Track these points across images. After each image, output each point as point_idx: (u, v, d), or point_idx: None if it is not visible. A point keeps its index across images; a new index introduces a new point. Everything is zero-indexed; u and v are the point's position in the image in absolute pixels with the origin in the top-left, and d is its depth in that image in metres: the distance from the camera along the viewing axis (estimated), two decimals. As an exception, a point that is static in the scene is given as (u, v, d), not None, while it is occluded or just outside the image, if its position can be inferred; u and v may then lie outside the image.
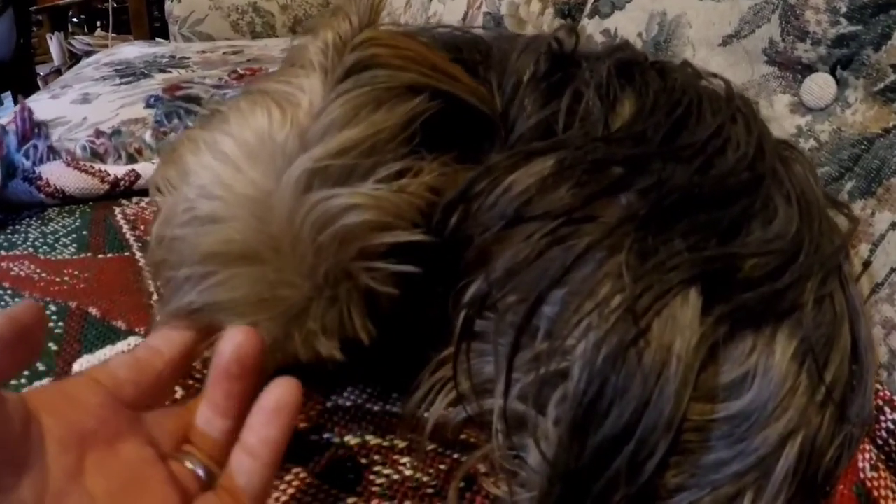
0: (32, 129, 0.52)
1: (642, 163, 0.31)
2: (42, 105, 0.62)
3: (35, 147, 0.51)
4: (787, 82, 0.49)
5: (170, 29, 1.07)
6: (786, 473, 0.30)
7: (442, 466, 0.33)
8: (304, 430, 0.35)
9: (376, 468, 0.33)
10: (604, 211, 0.29)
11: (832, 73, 0.47)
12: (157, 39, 1.07)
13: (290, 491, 0.33)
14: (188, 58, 0.70)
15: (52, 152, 0.52)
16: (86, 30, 1.63)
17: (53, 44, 1.49)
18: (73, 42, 1.51)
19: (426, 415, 0.33)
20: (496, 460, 0.31)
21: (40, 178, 0.50)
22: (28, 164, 0.50)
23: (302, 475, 0.33)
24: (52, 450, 0.22)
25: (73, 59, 1.47)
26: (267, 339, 0.28)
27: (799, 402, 0.29)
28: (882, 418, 0.39)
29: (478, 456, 0.33)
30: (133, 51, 0.73)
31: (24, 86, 1.47)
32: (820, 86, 0.47)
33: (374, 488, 0.33)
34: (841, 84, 0.47)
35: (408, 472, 0.33)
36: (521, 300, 0.29)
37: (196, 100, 0.56)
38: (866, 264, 0.42)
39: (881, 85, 0.44)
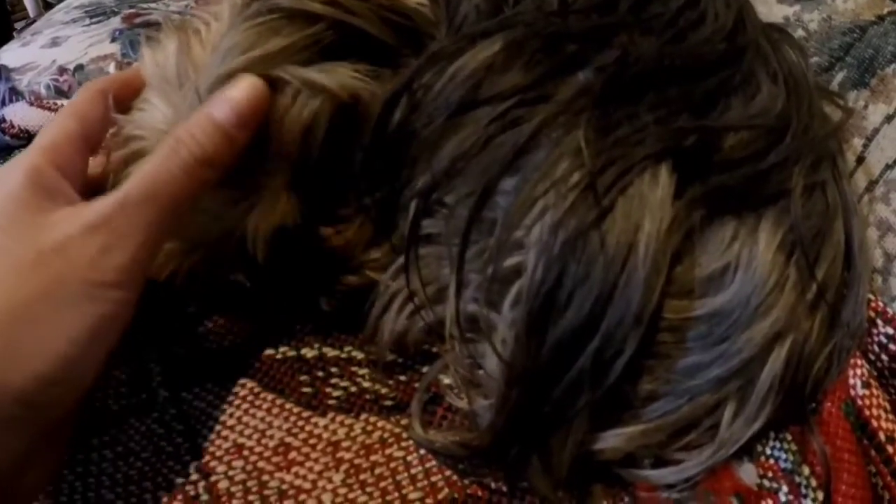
0: (-9, 73, 0.47)
1: (605, 35, 0.25)
2: (12, 54, 0.57)
3: (-4, 90, 0.46)
4: (773, -28, 0.42)
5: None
6: (771, 381, 0.25)
7: (402, 378, 0.29)
8: (259, 343, 0.31)
9: (333, 380, 0.29)
10: (559, 89, 0.23)
11: (822, -41, 0.40)
12: None
13: (244, 406, 0.28)
14: (161, -5, 0.65)
15: (15, 94, 0.47)
16: None
17: None
18: None
19: (385, 325, 0.28)
20: (454, 368, 0.26)
21: (3, 120, 0.45)
22: (-10, 108, 0.46)
23: (256, 389, 0.29)
24: None
25: (48, 9, 1.39)
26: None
27: (787, 299, 0.24)
28: (874, 331, 0.34)
29: (440, 367, 0.28)
30: (106, -7, 0.68)
31: (2, 44, 1.40)
32: (809, -26, 0.41)
33: (331, 401, 0.28)
34: (831, -29, 0.40)
35: (366, 384, 0.29)
36: (472, 192, 0.24)
37: (156, 25, 0.51)
38: (860, 160, 0.36)
39: (875, -32, 0.38)
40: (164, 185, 0.23)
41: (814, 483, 0.29)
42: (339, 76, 0.26)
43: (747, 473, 0.28)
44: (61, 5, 0.67)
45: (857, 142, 0.36)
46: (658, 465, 0.26)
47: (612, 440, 0.24)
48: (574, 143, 0.22)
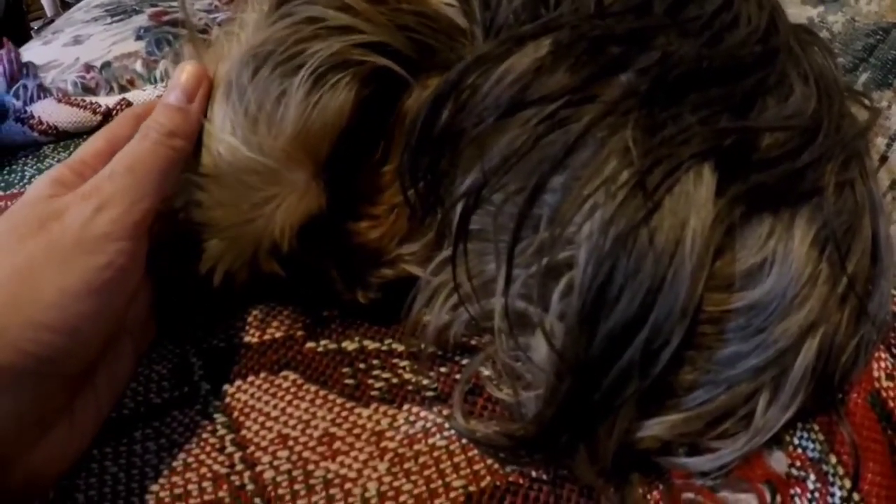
0: (20, 70, 0.47)
1: (645, 38, 0.26)
2: (34, 52, 0.58)
3: (24, 87, 0.46)
4: (797, -26, 0.44)
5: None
6: (804, 371, 0.26)
7: (443, 370, 0.30)
8: (301, 337, 0.32)
9: (375, 372, 0.30)
10: (604, 90, 0.24)
11: (845, -39, 0.42)
12: None
13: (287, 397, 0.30)
14: (179, -10, 0.66)
15: (43, 90, 0.48)
16: None
17: None
18: None
19: (427, 318, 0.30)
20: (500, 362, 0.27)
21: (32, 116, 0.46)
22: (19, 104, 0.46)
23: (298, 381, 0.30)
24: None
25: (66, 8, 1.41)
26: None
27: (820, 291, 0.26)
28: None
29: (482, 358, 0.29)
30: (124, -10, 0.69)
31: (19, 43, 1.41)
32: (832, -25, 0.42)
33: (373, 392, 0.29)
34: (854, -28, 0.41)
35: (407, 376, 0.30)
36: (520, 189, 0.25)
37: (184, 24, 0.52)
38: (883, 159, 0.38)
39: (898, -30, 0.39)
40: (140, 158, 0.28)
41: (840, 472, 0.30)
42: (370, 57, 0.27)
43: (778, 461, 0.30)
44: (80, 4, 0.68)
45: (881, 141, 0.38)
46: (693, 453, 0.28)
47: (655, 428, 0.25)
48: (622, 142, 0.23)
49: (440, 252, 0.29)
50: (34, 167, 0.46)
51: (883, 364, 0.33)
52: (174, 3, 0.60)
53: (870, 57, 0.39)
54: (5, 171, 0.47)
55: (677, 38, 0.27)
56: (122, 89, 0.48)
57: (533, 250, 0.25)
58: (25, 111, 0.46)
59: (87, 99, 0.47)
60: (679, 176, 0.22)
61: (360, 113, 0.28)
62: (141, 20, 0.56)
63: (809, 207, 0.26)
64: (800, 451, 0.31)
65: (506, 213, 0.25)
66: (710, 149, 0.23)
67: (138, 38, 0.53)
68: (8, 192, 0.45)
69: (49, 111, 0.46)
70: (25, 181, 0.46)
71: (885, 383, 0.33)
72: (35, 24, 1.41)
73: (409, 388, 0.30)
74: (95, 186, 0.27)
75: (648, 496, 0.28)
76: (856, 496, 0.30)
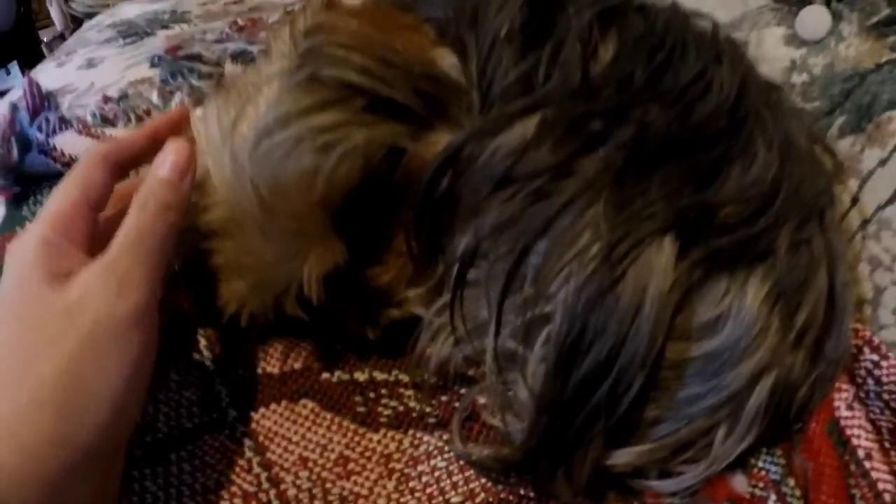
0: (42, 103, 0.53)
1: (624, 110, 0.32)
2: (49, 74, 0.64)
3: (47, 120, 0.52)
4: (783, 14, 0.49)
5: (168, -18, 1.05)
6: (757, 409, 0.32)
7: (444, 398, 0.37)
8: (317, 368, 0.38)
9: (383, 401, 0.37)
10: (583, 166, 0.30)
11: (827, 4, 0.47)
12: None
13: (306, 423, 0.36)
14: (189, 11, 0.70)
15: (64, 122, 0.54)
16: None
17: (54, 9, 1.49)
18: (73, 5, 1.51)
19: (430, 353, 0.36)
20: (492, 394, 0.34)
21: (55, 149, 0.52)
22: (41, 136, 0.52)
23: (316, 409, 0.36)
24: None
25: (76, 22, 1.47)
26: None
27: (770, 341, 0.32)
28: (861, 357, 0.41)
29: (477, 390, 0.36)
30: (134, 9, 0.73)
31: (29, 54, 1.48)
32: (815, 18, 0.47)
33: (382, 419, 0.36)
34: (836, 17, 0.46)
35: (412, 404, 0.37)
36: (509, 251, 0.31)
37: (198, 58, 0.58)
38: (854, 200, 0.43)
39: (875, 19, 0.44)
40: (144, 231, 0.30)
41: (798, 493, 0.36)
42: (377, 129, 0.33)
43: (739, 483, 0.36)
44: (92, 23, 0.74)
45: (853, 183, 0.43)
46: (662, 476, 0.34)
47: (624, 457, 0.32)
48: (595, 216, 0.29)
49: (441, 297, 0.35)
50: (59, 196, 0.53)
51: (844, 395, 0.39)
52: (186, 32, 0.65)
53: (846, 101, 0.44)
54: (31, 202, 0.53)
55: (654, 108, 0.33)
56: (139, 119, 0.54)
57: (520, 303, 0.31)
58: (48, 144, 0.52)
59: (108, 132, 0.53)
60: (642, 248, 0.28)
61: (372, 168, 0.34)
62: (153, 44, 0.62)
63: (763, 267, 0.31)
64: (763, 472, 0.37)
65: (497, 269, 0.32)
66: (673, 222, 0.29)
67: (153, 65, 0.59)
68: (36, 221, 0.52)
69: (71, 144, 0.52)
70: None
71: (844, 413, 0.39)
72: (42, 32, 1.48)
73: (414, 414, 0.37)
74: (109, 265, 0.28)
75: (624, 513, 0.34)
76: (809, 514, 0.36)
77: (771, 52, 0.47)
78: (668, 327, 0.30)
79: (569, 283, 0.28)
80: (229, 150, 0.33)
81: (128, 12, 0.73)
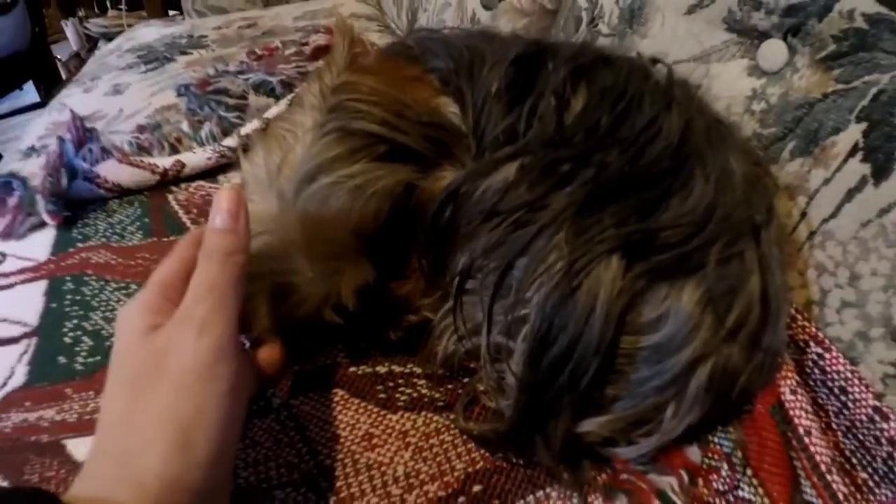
0: (85, 135, 0.70)
1: (588, 154, 0.48)
2: (77, 100, 0.80)
3: (90, 150, 0.69)
4: (746, 48, 0.64)
5: (182, 4, 1.21)
6: (698, 390, 0.47)
7: (450, 387, 0.53)
8: (346, 363, 0.55)
9: (401, 388, 0.53)
10: (552, 201, 0.46)
11: (784, 39, 0.62)
12: (171, 13, 1.22)
13: (338, 408, 0.53)
14: (205, 36, 0.86)
15: (105, 152, 0.70)
16: (96, 10, 1.81)
17: (69, 30, 1.67)
18: (88, 25, 1.69)
19: (438, 349, 0.52)
20: (487, 381, 0.50)
21: (98, 176, 0.69)
22: (86, 165, 0.69)
23: (346, 396, 0.53)
24: None
25: (91, 41, 1.66)
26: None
27: (703, 335, 0.47)
28: (808, 350, 0.56)
29: (477, 378, 0.52)
30: (151, 32, 0.89)
31: (45, 73, 1.68)
32: (773, 51, 0.62)
33: (400, 403, 0.53)
34: (791, 50, 0.61)
35: (424, 391, 0.53)
36: (497, 267, 0.47)
37: (225, 92, 0.74)
38: (803, 215, 0.59)
39: (823, 53, 0.59)
40: (215, 278, 0.38)
41: (745, 462, 0.52)
42: (397, 173, 0.50)
43: (694, 454, 0.52)
44: (111, 47, 0.90)
45: (802, 200, 0.59)
46: (627, 446, 0.50)
47: (590, 426, 0.47)
48: (560, 241, 0.45)
49: (446, 304, 0.52)
50: (105, 221, 0.69)
51: (789, 381, 0.55)
52: (203, 52, 0.82)
53: (797, 127, 0.59)
54: (79, 224, 0.69)
55: (613, 152, 0.49)
56: (172, 147, 0.71)
57: (506, 306, 0.47)
58: (92, 171, 0.69)
59: (145, 160, 0.69)
60: (594, 265, 0.44)
61: (395, 202, 0.51)
62: (174, 70, 0.78)
63: (697, 277, 0.47)
64: (718, 447, 0.53)
65: (488, 281, 0.48)
66: (619, 245, 0.45)
67: (179, 94, 0.75)
68: (86, 244, 0.68)
69: (113, 171, 0.69)
70: (100, 234, 0.68)
71: (788, 396, 0.54)
72: (57, 51, 1.66)
73: (426, 399, 0.53)
74: (186, 314, 0.36)
75: (598, 478, 0.50)
76: (755, 480, 0.52)
77: (735, 83, 0.63)
78: (621, 324, 0.45)
79: (540, 291, 0.44)
80: (276, 190, 0.49)
81: (145, 36, 0.89)
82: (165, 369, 0.35)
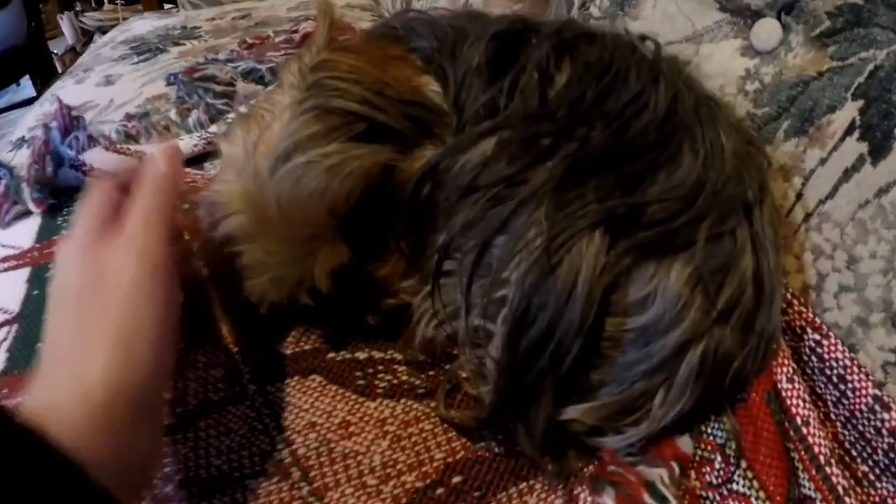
0: (72, 123, 0.68)
1: (570, 129, 0.46)
2: (69, 91, 0.79)
3: (76, 138, 0.67)
4: (739, 27, 0.62)
5: (177, -3, 1.21)
6: (689, 375, 0.45)
7: (431, 373, 0.51)
8: (324, 349, 0.53)
9: (380, 375, 0.51)
10: (532, 176, 0.44)
11: (778, 18, 0.59)
12: (166, 6, 1.22)
13: (314, 395, 0.50)
14: (199, 27, 0.85)
15: (92, 140, 0.69)
16: (93, 4, 1.82)
17: (65, 24, 1.68)
18: (83, 20, 1.70)
19: (417, 334, 0.50)
20: (468, 366, 0.47)
21: (84, 164, 0.68)
22: (72, 153, 0.68)
23: (323, 382, 0.51)
24: None
25: (86, 35, 1.66)
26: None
27: (693, 316, 0.44)
28: (805, 337, 0.54)
29: (458, 364, 0.49)
30: (145, 25, 0.88)
31: (42, 68, 1.69)
32: (767, 30, 0.60)
33: (379, 390, 0.50)
34: (785, 29, 0.59)
35: (404, 378, 0.50)
36: (475, 246, 0.45)
37: (213, 79, 0.73)
38: (798, 196, 0.56)
39: (818, 30, 0.56)
40: (153, 210, 0.43)
41: (740, 454, 0.49)
42: (375, 153, 0.47)
43: (685, 444, 0.49)
44: (105, 39, 0.89)
45: (797, 181, 0.56)
46: (614, 435, 0.47)
47: (574, 413, 0.45)
48: (539, 216, 0.42)
49: (426, 286, 0.49)
50: (90, 207, 0.68)
51: (785, 369, 0.52)
52: (196, 42, 0.81)
53: (791, 107, 0.56)
54: (64, 212, 0.68)
55: (597, 126, 0.47)
56: (160, 135, 0.69)
57: (485, 287, 0.45)
58: (78, 160, 0.67)
59: (132, 147, 0.68)
60: (575, 241, 0.42)
61: (371, 183, 0.48)
62: (167, 60, 0.77)
63: (685, 255, 0.44)
64: (711, 438, 0.50)
65: (467, 261, 0.45)
66: (602, 220, 0.43)
67: (169, 83, 0.74)
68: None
69: (99, 159, 0.67)
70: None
71: (785, 385, 0.51)
72: (53, 46, 1.67)
73: (406, 386, 0.50)
74: (128, 241, 0.41)
75: (584, 469, 0.48)
76: (749, 473, 0.49)
77: (728, 63, 0.60)
78: (606, 304, 0.43)
79: (519, 269, 0.42)
80: (252, 169, 0.47)
81: (139, 28, 0.88)
82: (107, 289, 0.39)
